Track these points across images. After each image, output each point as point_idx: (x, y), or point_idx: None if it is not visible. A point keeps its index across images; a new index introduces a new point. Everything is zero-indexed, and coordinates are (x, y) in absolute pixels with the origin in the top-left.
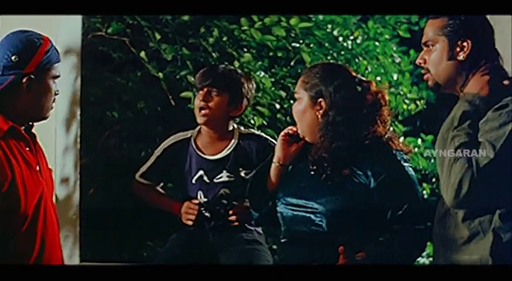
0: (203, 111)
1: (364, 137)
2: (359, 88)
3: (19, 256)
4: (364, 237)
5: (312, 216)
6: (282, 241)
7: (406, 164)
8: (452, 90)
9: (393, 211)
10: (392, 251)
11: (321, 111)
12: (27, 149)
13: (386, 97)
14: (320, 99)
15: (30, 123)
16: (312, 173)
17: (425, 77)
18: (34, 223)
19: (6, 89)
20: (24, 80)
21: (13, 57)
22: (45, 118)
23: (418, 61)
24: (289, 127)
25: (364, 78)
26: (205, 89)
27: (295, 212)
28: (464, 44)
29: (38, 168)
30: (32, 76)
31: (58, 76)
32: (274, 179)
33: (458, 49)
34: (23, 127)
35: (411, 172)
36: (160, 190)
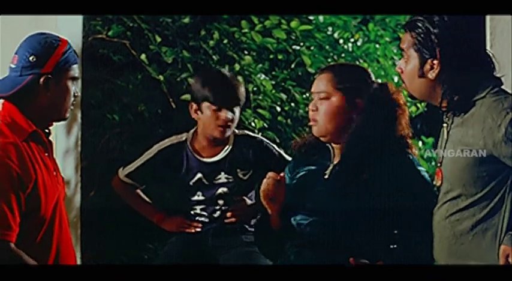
0: (229, 128)
1: (388, 140)
2: (380, 91)
3: (37, 258)
4: (378, 241)
5: (327, 220)
6: (296, 246)
7: (421, 168)
8: (430, 101)
9: (409, 216)
10: (409, 257)
11: (356, 112)
12: (46, 154)
13: (403, 97)
14: (358, 100)
15: (47, 130)
16: (326, 177)
17: (403, 86)
18: (51, 226)
19: (25, 89)
20: (41, 80)
21: (31, 58)
22: (64, 119)
23: (397, 69)
24: (266, 187)
25: (380, 81)
26: (226, 108)
27: (310, 218)
28: (435, 62)
29: (55, 173)
30: (50, 76)
31: (77, 78)
32: (277, 223)
33: (428, 67)
34: (45, 132)
35: (427, 176)
36: (141, 193)
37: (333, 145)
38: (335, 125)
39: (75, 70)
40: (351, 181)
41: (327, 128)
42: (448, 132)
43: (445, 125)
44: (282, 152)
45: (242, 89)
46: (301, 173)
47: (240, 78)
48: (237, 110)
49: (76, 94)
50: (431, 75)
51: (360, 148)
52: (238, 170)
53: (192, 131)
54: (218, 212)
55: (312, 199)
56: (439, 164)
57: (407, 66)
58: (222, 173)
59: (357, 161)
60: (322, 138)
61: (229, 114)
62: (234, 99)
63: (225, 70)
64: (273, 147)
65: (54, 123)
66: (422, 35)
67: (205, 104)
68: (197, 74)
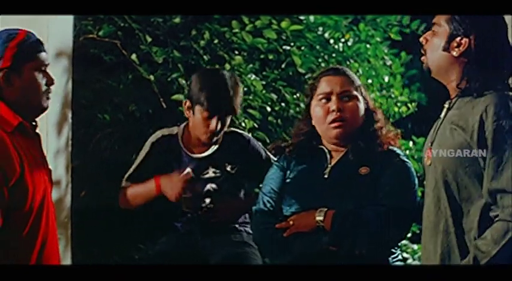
0: (216, 136)
1: (376, 142)
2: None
3: (22, 250)
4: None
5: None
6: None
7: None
8: (442, 80)
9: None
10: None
11: (364, 115)
12: (35, 147)
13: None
14: (367, 101)
15: (34, 123)
16: (326, 176)
17: (422, 58)
18: (38, 219)
19: None
20: (0, 76)
21: None
22: (43, 109)
23: (421, 39)
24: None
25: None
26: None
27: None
28: (462, 41)
29: (43, 165)
30: (7, 70)
31: (44, 65)
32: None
33: (455, 44)
34: (31, 124)
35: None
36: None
37: (329, 148)
38: (358, 125)
39: (40, 59)
40: (352, 179)
41: (353, 128)
42: (445, 114)
43: (446, 105)
44: (268, 152)
45: (239, 99)
46: (296, 174)
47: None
48: (228, 118)
49: (49, 83)
50: (456, 52)
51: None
52: (226, 164)
53: (182, 126)
54: (204, 210)
55: (312, 198)
56: (429, 144)
57: (434, 38)
58: (210, 168)
59: (359, 160)
60: (330, 143)
61: (219, 124)
62: (227, 110)
63: (228, 74)
64: (259, 146)
65: (46, 122)
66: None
67: (198, 107)
68: (198, 75)
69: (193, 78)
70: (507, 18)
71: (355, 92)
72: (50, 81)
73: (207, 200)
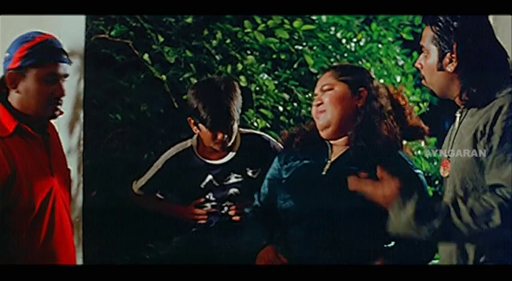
0: (228, 142)
1: (385, 138)
2: (381, 89)
3: (21, 249)
4: (375, 239)
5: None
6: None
7: (418, 171)
8: (449, 97)
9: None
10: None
11: (360, 101)
12: (36, 148)
13: (405, 97)
14: (361, 89)
15: (46, 124)
16: (324, 173)
17: (422, 81)
18: (40, 220)
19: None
20: (6, 76)
21: (6, 54)
22: (48, 118)
23: (416, 65)
24: None
25: (382, 82)
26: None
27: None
28: (453, 55)
29: (48, 165)
30: (12, 72)
31: (58, 75)
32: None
33: (447, 60)
34: (34, 126)
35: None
36: (159, 196)
37: (331, 142)
38: (341, 113)
39: (52, 67)
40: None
41: (333, 116)
42: (459, 123)
43: (458, 115)
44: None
45: (236, 103)
46: (296, 167)
47: (242, 78)
48: (233, 124)
49: (58, 94)
50: (450, 68)
51: (363, 148)
52: (247, 169)
53: (195, 136)
54: (225, 208)
55: (308, 194)
56: (446, 156)
57: (427, 61)
58: (232, 174)
59: (358, 160)
60: (324, 132)
61: (226, 134)
62: (227, 121)
63: (221, 83)
64: (280, 146)
65: (58, 122)
66: (442, 29)
67: (200, 125)
68: (192, 92)
69: (188, 95)
70: (507, 18)
71: (336, 82)
72: (59, 93)
73: (229, 203)
